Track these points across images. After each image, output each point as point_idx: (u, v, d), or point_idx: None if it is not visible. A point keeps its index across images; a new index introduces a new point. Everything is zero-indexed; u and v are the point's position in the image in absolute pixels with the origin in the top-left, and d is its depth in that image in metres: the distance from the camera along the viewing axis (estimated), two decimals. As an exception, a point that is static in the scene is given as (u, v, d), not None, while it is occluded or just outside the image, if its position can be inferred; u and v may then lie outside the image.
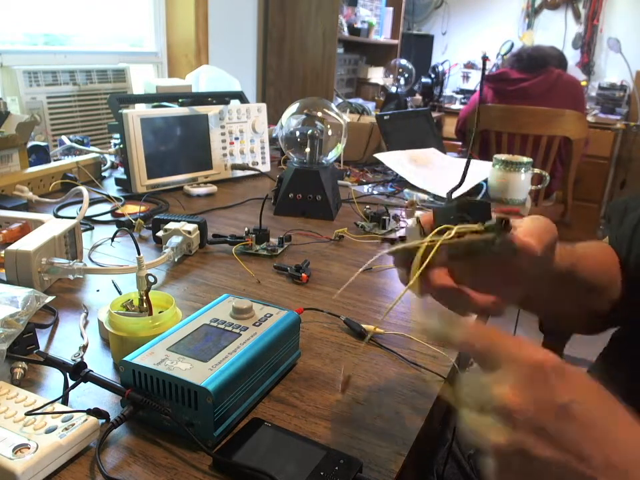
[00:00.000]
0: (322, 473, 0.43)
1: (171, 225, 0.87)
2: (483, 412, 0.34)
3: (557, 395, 0.32)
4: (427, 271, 0.43)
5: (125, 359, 0.48)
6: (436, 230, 0.44)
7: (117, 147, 1.37)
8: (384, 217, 1.02)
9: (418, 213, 0.45)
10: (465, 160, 1.62)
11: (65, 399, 0.50)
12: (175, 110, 1.24)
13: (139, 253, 0.62)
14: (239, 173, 1.35)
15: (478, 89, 2.87)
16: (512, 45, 3.74)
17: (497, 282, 0.46)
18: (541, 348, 0.34)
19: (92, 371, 0.50)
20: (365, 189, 1.33)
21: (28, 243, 0.71)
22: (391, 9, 3.42)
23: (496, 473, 0.34)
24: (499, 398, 0.33)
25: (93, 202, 1.07)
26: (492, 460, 0.33)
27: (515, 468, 0.33)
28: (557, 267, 0.51)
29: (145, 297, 0.61)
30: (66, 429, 0.45)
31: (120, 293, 0.73)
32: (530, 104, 2.30)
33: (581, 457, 0.31)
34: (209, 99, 1.33)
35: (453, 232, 0.43)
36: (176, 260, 0.84)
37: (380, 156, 1.40)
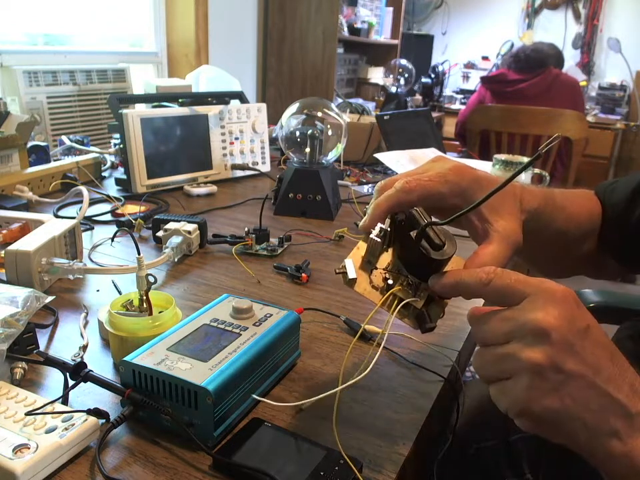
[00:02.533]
0: (322, 473, 0.43)
1: (171, 225, 0.87)
2: (510, 340, 0.38)
3: (580, 318, 0.38)
4: None
5: (125, 359, 0.48)
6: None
7: (117, 146, 1.37)
8: (384, 217, 1.02)
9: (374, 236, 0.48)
10: (465, 160, 1.62)
11: (65, 399, 0.50)
12: (175, 110, 1.24)
13: (139, 253, 0.62)
14: (239, 173, 1.35)
15: (477, 89, 2.87)
16: (512, 45, 3.74)
17: None
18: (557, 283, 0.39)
19: (92, 371, 0.50)
20: (365, 188, 1.33)
21: (28, 243, 0.71)
22: (390, 9, 3.42)
23: (526, 393, 0.37)
24: (535, 321, 0.37)
25: (93, 202, 1.07)
26: (524, 380, 0.37)
27: (546, 383, 0.37)
28: (532, 218, 0.53)
29: (145, 297, 0.61)
30: (66, 428, 0.45)
31: (120, 292, 0.73)
32: (528, 105, 2.30)
33: (597, 369, 0.37)
34: (209, 99, 1.33)
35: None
36: (176, 260, 0.84)
37: (380, 156, 1.40)
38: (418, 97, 3.59)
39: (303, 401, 0.49)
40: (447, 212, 0.47)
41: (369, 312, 0.72)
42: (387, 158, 1.40)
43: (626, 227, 0.66)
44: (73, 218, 0.85)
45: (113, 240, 0.92)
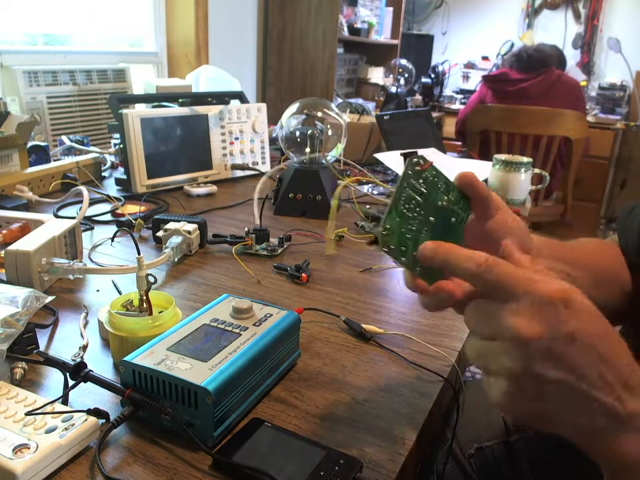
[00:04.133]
0: (322, 473, 0.43)
1: (171, 225, 0.87)
2: (494, 338, 0.37)
3: (566, 323, 0.36)
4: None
5: (125, 359, 0.48)
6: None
7: (117, 146, 1.37)
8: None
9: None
10: (465, 160, 1.62)
11: (64, 399, 0.50)
12: (175, 110, 1.24)
13: (139, 253, 0.62)
14: (239, 173, 1.35)
15: (477, 89, 2.87)
16: (512, 45, 3.74)
17: None
18: (552, 278, 0.37)
19: (92, 370, 0.50)
20: (365, 189, 1.33)
21: (28, 243, 0.71)
22: (390, 9, 3.41)
23: (508, 396, 0.37)
24: (515, 329, 0.36)
25: (93, 202, 1.07)
26: (503, 384, 0.37)
27: (523, 391, 0.37)
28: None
29: (145, 297, 0.61)
30: (66, 429, 0.45)
31: (120, 292, 0.73)
32: (529, 104, 2.30)
33: (581, 374, 0.36)
34: (209, 99, 1.33)
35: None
36: (176, 260, 0.84)
37: (380, 156, 1.40)
38: (418, 97, 3.58)
39: None
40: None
41: (369, 312, 0.72)
42: (387, 158, 1.40)
43: None
44: (73, 218, 0.85)
45: (112, 240, 0.92)
